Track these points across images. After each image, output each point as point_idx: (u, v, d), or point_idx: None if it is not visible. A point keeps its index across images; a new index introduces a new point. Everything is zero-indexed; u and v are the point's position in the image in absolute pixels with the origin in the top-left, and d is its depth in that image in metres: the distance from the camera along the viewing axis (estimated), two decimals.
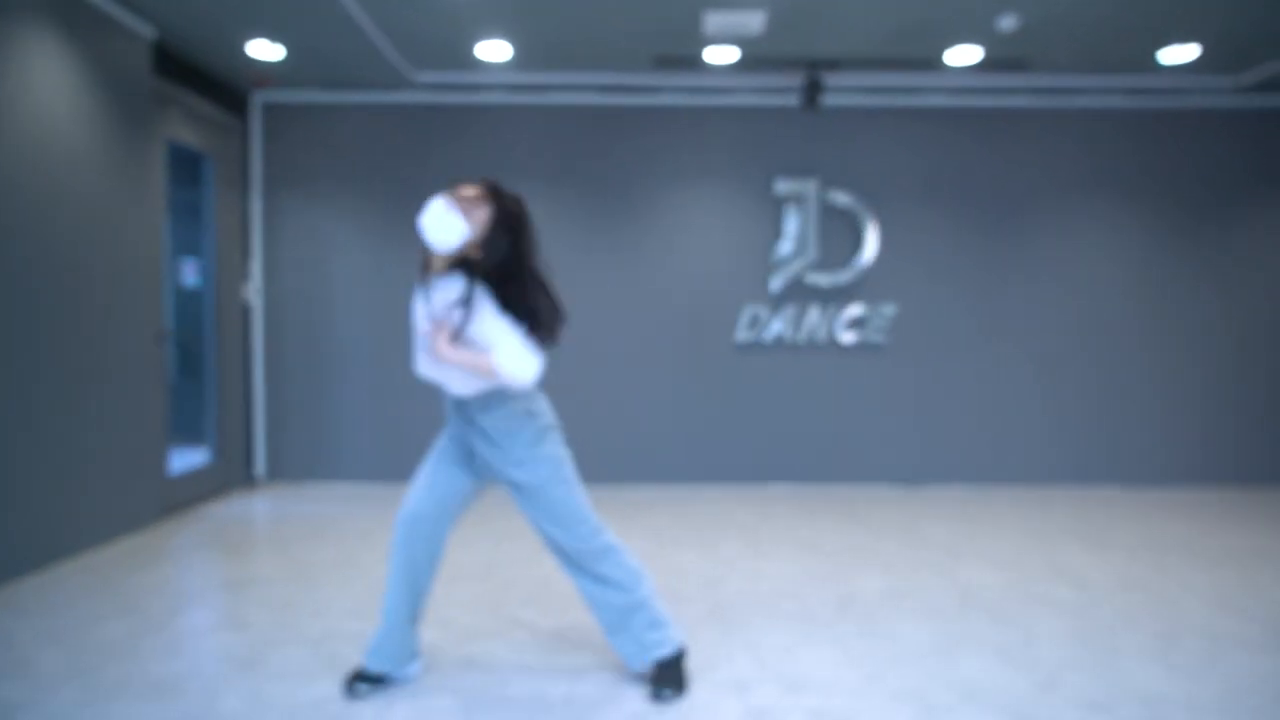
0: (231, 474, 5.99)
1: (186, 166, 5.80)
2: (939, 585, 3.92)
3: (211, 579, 3.96)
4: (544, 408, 2.73)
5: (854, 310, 6.14)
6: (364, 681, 2.72)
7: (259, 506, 5.55)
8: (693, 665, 2.91)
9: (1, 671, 2.85)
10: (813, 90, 5.57)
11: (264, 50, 5.27)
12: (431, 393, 6.07)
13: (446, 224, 2.56)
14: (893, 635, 3.27)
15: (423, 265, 2.69)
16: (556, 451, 2.70)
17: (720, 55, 5.38)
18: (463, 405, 2.69)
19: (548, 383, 6.03)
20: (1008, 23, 4.77)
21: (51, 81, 4.09)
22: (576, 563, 2.73)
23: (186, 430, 6.10)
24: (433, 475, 2.75)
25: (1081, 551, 4.50)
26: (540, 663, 2.99)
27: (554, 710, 2.62)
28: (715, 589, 3.85)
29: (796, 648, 3.14)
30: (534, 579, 3.95)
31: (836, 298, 6.17)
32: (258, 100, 6.14)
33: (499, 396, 2.63)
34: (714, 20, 4.77)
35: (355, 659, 2.97)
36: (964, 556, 4.40)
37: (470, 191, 2.62)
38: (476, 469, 2.75)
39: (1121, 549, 4.55)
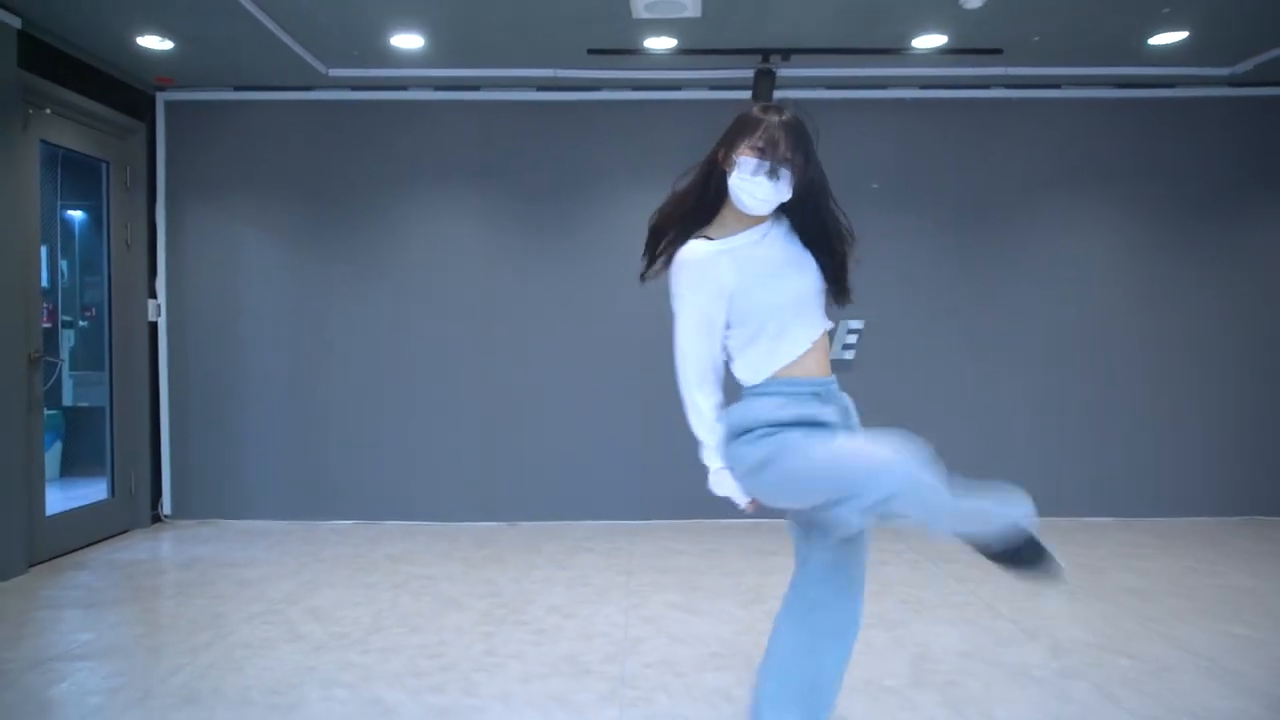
0: (134, 512, 5.44)
1: (88, 174, 5.32)
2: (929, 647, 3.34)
3: (47, 648, 3.40)
4: None
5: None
6: None
7: (150, 550, 5.00)
8: None
9: None
10: (765, 80, 5.03)
11: (152, 44, 4.75)
12: (356, 422, 5.53)
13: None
14: None
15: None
16: None
17: (659, 44, 4.85)
18: (826, 393, 2.14)
19: (472, 410, 5.50)
20: (973, 1, 4.22)
21: None
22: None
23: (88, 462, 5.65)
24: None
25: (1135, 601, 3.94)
26: None
27: None
28: (629, 655, 3.28)
29: None
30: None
31: None
32: (161, 101, 5.60)
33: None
34: (643, 1, 4.22)
35: None
36: (930, 607, 3.83)
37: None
38: None
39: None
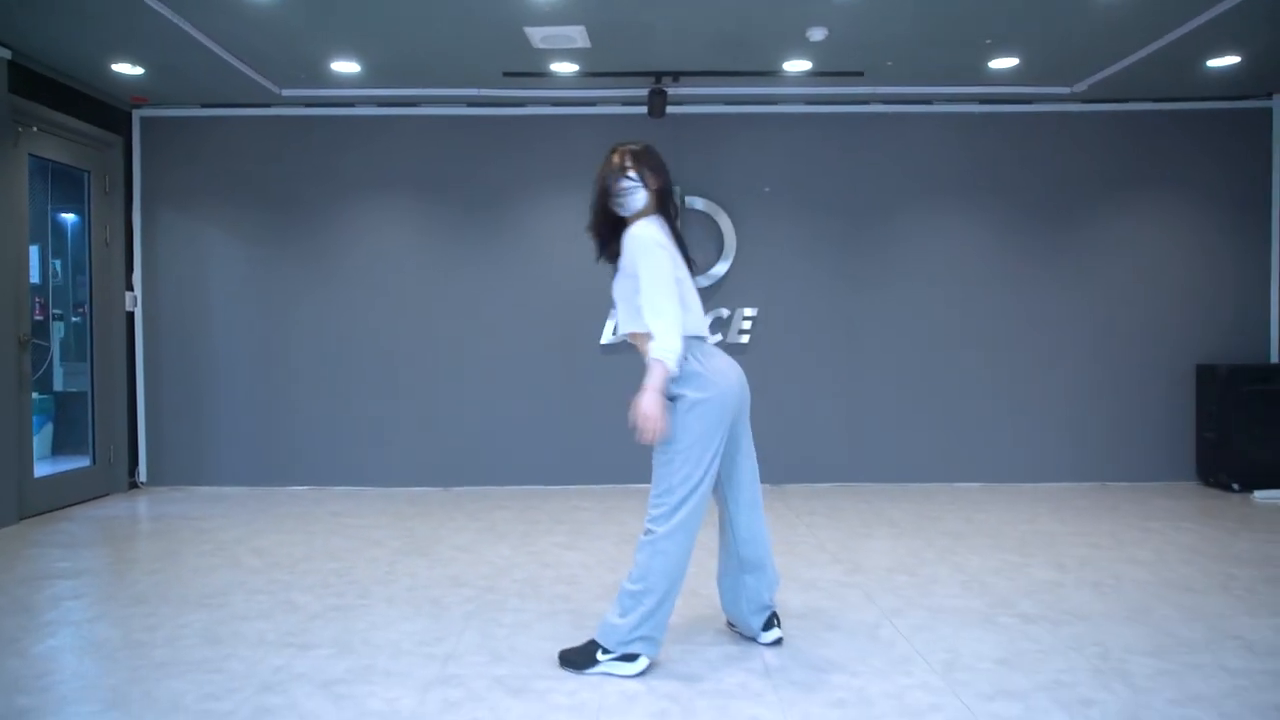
0: (112, 478, 6.19)
1: (77, 183, 6.06)
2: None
3: (32, 572, 4.14)
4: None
5: (716, 313, 6.33)
6: None
7: (124, 509, 5.75)
8: (422, 639, 3.11)
9: None
10: (657, 98, 5.78)
11: (125, 69, 5.51)
12: (312, 400, 6.28)
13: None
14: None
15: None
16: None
17: (563, 67, 5.60)
18: None
19: (413, 390, 6.26)
20: (817, 34, 4.97)
21: None
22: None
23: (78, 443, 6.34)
24: None
25: (885, 540, 4.69)
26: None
27: None
28: (504, 575, 4.04)
29: (531, 624, 3.33)
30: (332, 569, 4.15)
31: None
32: (137, 117, 6.36)
33: None
34: (537, 34, 4.98)
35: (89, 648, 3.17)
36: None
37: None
38: None
39: (920, 537, 4.73)
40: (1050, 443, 6.38)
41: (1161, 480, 6.34)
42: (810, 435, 6.37)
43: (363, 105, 6.34)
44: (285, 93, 6.06)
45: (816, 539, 4.73)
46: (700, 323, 2.98)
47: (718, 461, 2.88)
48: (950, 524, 5.09)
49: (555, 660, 2.93)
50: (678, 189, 6.14)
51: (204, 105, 6.35)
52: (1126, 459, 6.35)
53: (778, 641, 3.10)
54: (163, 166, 6.39)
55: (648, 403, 2.73)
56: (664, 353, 2.74)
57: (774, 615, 3.15)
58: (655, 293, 2.77)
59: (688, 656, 3.01)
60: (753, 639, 3.16)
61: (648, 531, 2.85)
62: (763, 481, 3.15)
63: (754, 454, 3.09)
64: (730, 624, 3.27)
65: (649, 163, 3.00)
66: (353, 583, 3.92)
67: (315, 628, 3.30)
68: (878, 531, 4.92)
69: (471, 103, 6.30)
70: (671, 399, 2.84)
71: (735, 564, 3.11)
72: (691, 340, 2.90)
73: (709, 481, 2.86)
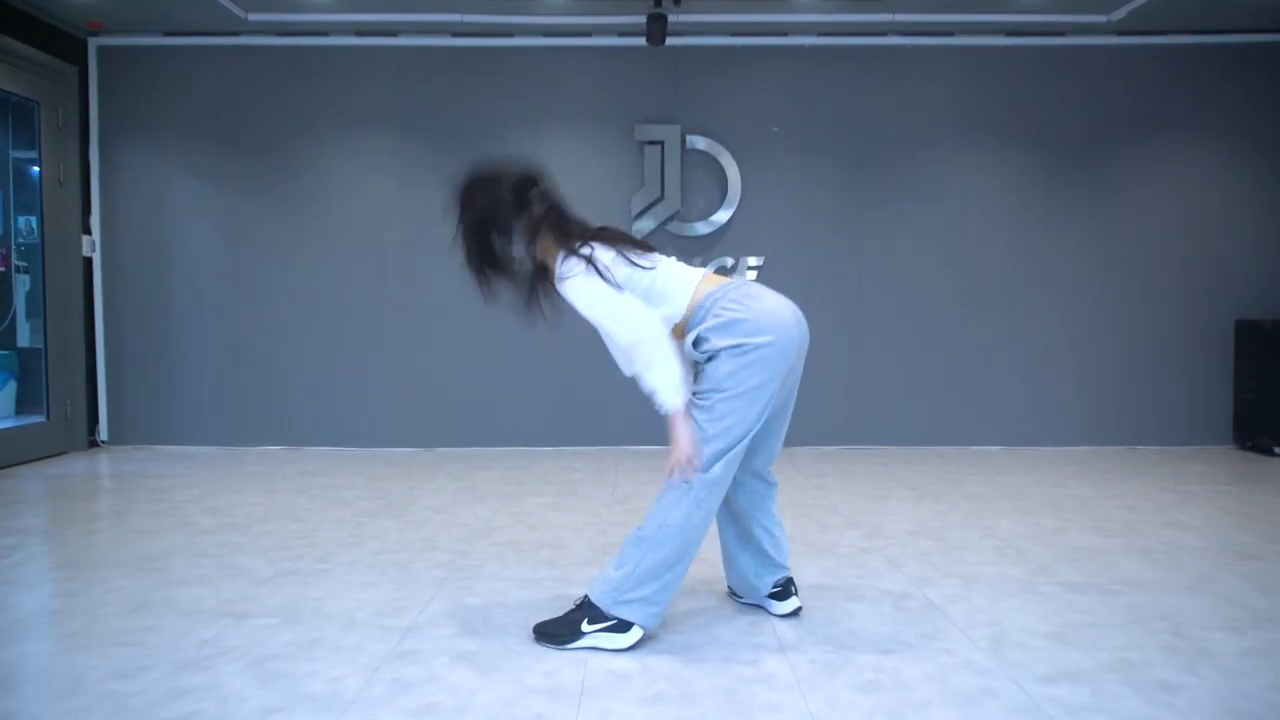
0: (70, 436, 5.76)
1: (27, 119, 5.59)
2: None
3: None
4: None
5: (719, 261, 5.88)
6: None
7: (79, 467, 5.32)
8: (386, 603, 2.69)
9: None
10: (656, 24, 5.29)
11: None
12: (284, 354, 5.86)
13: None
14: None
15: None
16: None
17: None
18: None
19: (394, 344, 5.80)
20: None
21: None
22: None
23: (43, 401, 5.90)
24: None
25: (904, 502, 4.27)
26: None
27: None
28: (482, 539, 3.62)
29: (509, 592, 2.91)
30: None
31: (701, 248, 5.90)
32: (94, 45, 5.86)
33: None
34: None
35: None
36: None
37: None
38: None
39: (943, 500, 4.32)
40: (1075, 404, 5.95)
41: (1193, 444, 5.92)
42: (819, 395, 5.90)
43: (337, 34, 5.84)
44: (253, 18, 5.56)
45: (829, 502, 4.31)
46: (685, 291, 2.50)
47: (765, 416, 2.44)
48: (973, 487, 4.67)
49: (532, 634, 2.50)
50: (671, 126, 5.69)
51: (166, 33, 5.85)
52: (1156, 421, 5.92)
53: (796, 612, 2.68)
54: (123, 100, 5.90)
55: (684, 444, 2.37)
56: (663, 400, 2.38)
57: (790, 582, 2.72)
58: (616, 339, 2.51)
59: (689, 629, 2.59)
60: (760, 607, 2.74)
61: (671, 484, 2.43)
62: None
63: (791, 406, 2.64)
64: (733, 593, 2.86)
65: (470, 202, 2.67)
66: (312, 545, 3.50)
67: (261, 595, 2.88)
68: (895, 494, 4.50)
69: (455, 32, 5.81)
70: (715, 354, 2.41)
71: (730, 518, 2.70)
72: (716, 292, 2.46)
73: (750, 438, 2.44)
